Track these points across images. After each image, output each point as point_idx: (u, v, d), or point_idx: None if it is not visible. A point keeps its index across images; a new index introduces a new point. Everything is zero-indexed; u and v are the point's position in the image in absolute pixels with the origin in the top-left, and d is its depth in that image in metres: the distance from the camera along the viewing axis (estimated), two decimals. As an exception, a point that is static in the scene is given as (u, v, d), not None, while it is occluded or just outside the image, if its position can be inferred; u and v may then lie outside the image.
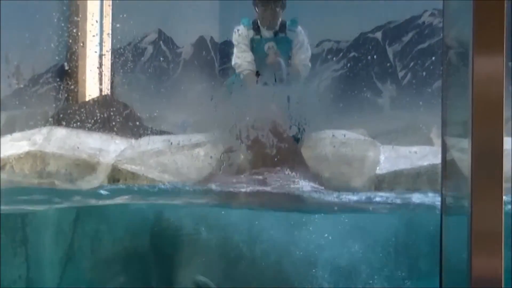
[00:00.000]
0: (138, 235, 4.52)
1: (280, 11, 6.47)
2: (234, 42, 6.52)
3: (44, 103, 7.98)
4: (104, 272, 4.49)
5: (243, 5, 6.78)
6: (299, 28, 6.59)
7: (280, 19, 6.52)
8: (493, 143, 1.86)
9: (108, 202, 5.11)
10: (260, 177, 5.51)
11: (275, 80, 6.14)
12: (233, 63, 6.53)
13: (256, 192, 5.25)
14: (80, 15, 8.17)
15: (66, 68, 8.16)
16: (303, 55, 6.58)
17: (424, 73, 8.36)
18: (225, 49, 8.65)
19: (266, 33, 6.49)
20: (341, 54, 8.89)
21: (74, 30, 8.11)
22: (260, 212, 4.70)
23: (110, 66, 8.34)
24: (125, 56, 8.29)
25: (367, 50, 8.87)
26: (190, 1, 7.86)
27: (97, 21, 8.28)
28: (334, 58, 8.78)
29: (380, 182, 6.26)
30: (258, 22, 6.48)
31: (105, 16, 8.38)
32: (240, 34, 6.48)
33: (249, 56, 6.40)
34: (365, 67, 8.73)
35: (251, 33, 6.48)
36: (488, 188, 1.86)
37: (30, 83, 8.21)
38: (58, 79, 8.16)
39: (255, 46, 6.47)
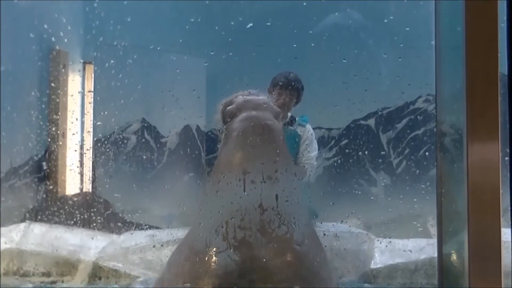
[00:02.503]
0: None
1: (293, 103, 6.50)
2: None
3: (22, 199, 7.93)
4: None
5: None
6: (309, 125, 6.65)
7: (291, 113, 6.60)
8: (491, 234, 1.86)
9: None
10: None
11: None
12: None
13: None
14: (60, 113, 8.22)
15: (45, 167, 8.15)
16: (311, 153, 6.59)
17: (419, 161, 8.40)
18: (212, 138, 8.69)
19: None
20: (332, 141, 8.93)
21: (53, 128, 8.14)
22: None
23: (91, 165, 8.35)
24: (107, 151, 8.32)
25: (359, 137, 8.91)
26: (175, 91, 7.92)
27: (77, 119, 8.33)
28: (325, 146, 8.81)
29: (375, 277, 6.22)
30: None
31: (85, 114, 8.45)
32: None
33: None
34: (358, 155, 8.76)
35: None
36: (487, 283, 1.84)
37: (6, 177, 8.18)
38: (36, 178, 8.14)
39: None
